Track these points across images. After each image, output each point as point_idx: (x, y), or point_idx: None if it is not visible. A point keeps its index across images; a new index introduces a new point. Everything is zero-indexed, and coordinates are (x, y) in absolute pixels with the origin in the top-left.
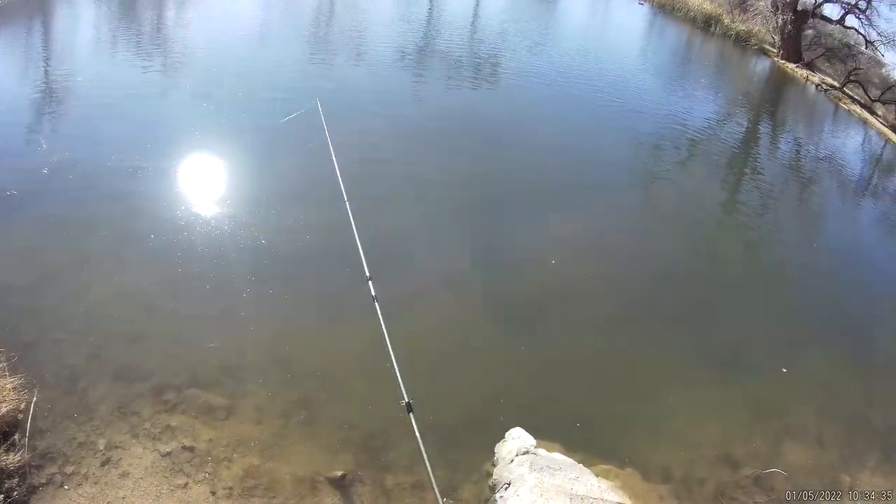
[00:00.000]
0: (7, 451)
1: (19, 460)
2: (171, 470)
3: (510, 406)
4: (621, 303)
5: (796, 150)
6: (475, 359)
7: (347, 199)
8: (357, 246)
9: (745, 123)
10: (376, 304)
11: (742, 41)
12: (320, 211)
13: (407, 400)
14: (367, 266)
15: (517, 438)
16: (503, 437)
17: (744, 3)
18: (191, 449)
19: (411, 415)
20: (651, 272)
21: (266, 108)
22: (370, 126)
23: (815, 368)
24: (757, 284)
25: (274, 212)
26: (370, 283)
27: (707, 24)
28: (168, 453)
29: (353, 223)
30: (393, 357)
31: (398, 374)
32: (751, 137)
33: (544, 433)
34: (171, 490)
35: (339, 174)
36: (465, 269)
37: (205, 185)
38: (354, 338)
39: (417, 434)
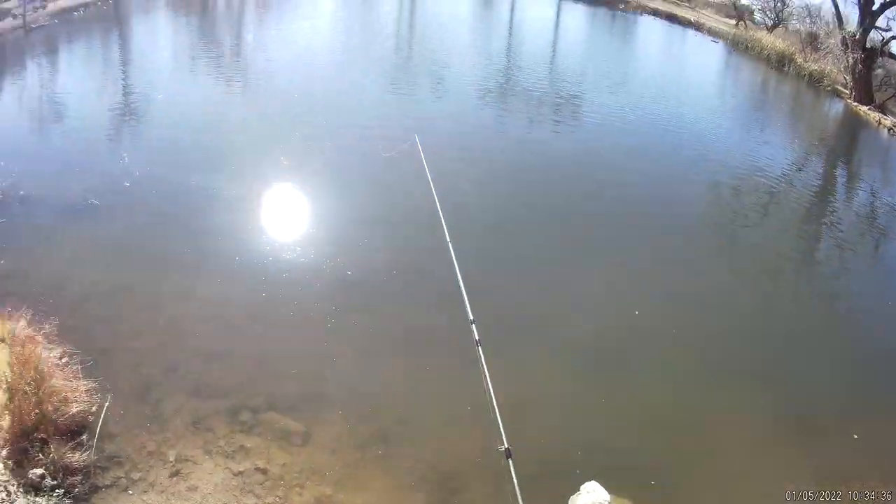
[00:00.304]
0: (74, 449)
1: (85, 459)
2: (241, 489)
3: (587, 458)
4: (697, 356)
5: (871, 201)
6: (554, 408)
7: (450, 239)
8: (460, 287)
9: (821, 171)
10: (479, 348)
11: (815, 81)
12: (414, 248)
13: (506, 446)
14: (471, 309)
15: (592, 492)
16: (578, 489)
17: (814, 41)
18: (263, 471)
19: (510, 461)
20: (728, 325)
21: (355, 139)
22: (463, 162)
23: (888, 436)
24: (831, 342)
25: (363, 245)
26: (473, 325)
27: (781, 63)
28: (240, 473)
29: (455, 264)
30: (495, 402)
31: (499, 421)
32: (826, 186)
33: (619, 488)
34: None
35: (440, 212)
36: (553, 314)
37: (292, 213)
38: (438, 378)
39: (515, 481)
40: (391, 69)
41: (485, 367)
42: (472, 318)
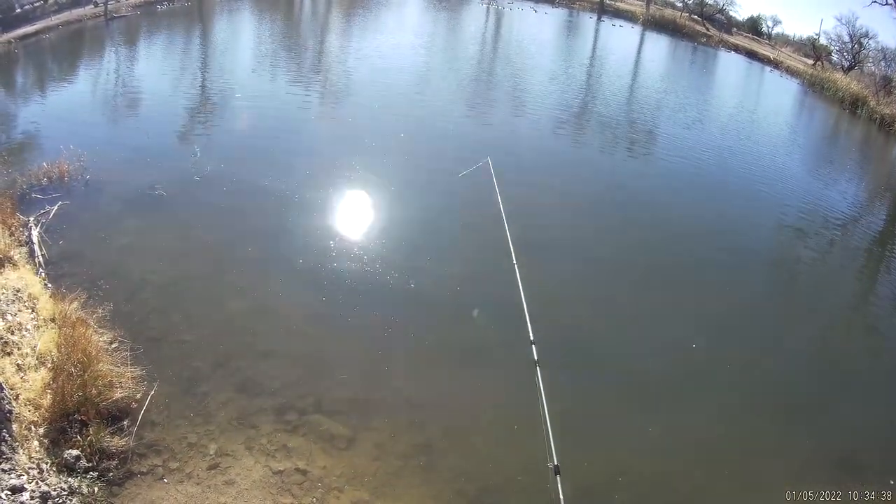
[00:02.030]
0: (113, 434)
1: (123, 445)
2: (278, 488)
3: (626, 483)
4: (747, 391)
5: None
6: (600, 432)
7: (516, 261)
8: (522, 308)
9: (884, 216)
10: (538, 367)
11: (887, 125)
12: (480, 268)
13: (556, 463)
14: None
15: None
16: None
17: (887, 85)
18: (303, 472)
19: (558, 477)
20: (780, 361)
21: (428, 156)
22: (534, 186)
23: None
24: (880, 384)
25: (429, 259)
26: (533, 346)
27: (854, 105)
28: (280, 471)
29: (520, 285)
30: (548, 420)
31: (551, 438)
32: (888, 232)
33: None
34: None
35: (508, 232)
36: (610, 341)
37: (360, 222)
38: (487, 395)
39: (561, 498)
40: (469, 92)
41: (541, 384)
42: (532, 338)
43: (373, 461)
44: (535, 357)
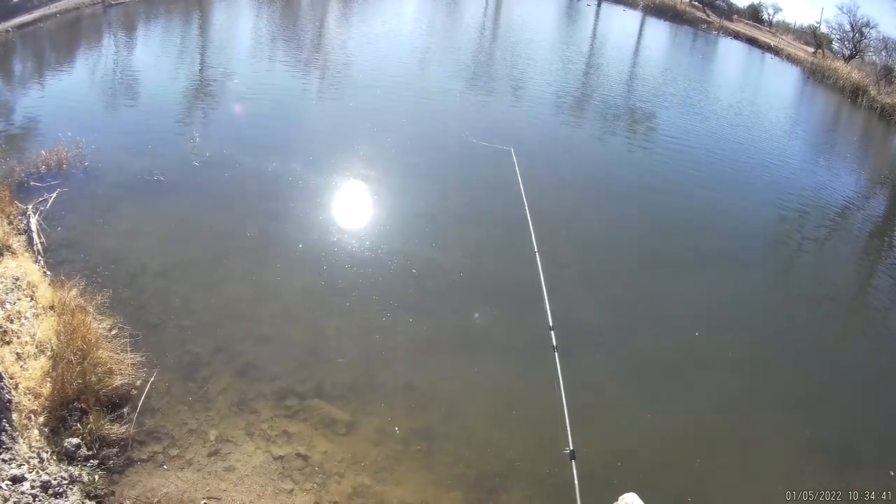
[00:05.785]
0: (113, 421)
1: (123, 432)
2: (279, 473)
3: (627, 469)
4: (747, 380)
5: None
6: (601, 419)
7: (537, 250)
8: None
9: (885, 205)
10: (556, 353)
11: (887, 115)
12: (484, 253)
13: (571, 448)
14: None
15: None
16: (615, 499)
17: (889, 74)
18: (304, 457)
19: (573, 462)
20: (779, 351)
21: (435, 140)
22: (540, 174)
23: None
24: (879, 374)
25: (433, 245)
26: (552, 332)
27: (854, 93)
28: (280, 457)
29: (541, 270)
30: (565, 405)
31: (567, 423)
32: (889, 220)
33: (655, 502)
34: (276, 493)
35: (530, 222)
36: (615, 329)
37: (365, 206)
38: (488, 380)
39: (576, 482)
40: (468, 81)
41: (559, 369)
42: (551, 323)
43: (374, 446)
44: (554, 343)
